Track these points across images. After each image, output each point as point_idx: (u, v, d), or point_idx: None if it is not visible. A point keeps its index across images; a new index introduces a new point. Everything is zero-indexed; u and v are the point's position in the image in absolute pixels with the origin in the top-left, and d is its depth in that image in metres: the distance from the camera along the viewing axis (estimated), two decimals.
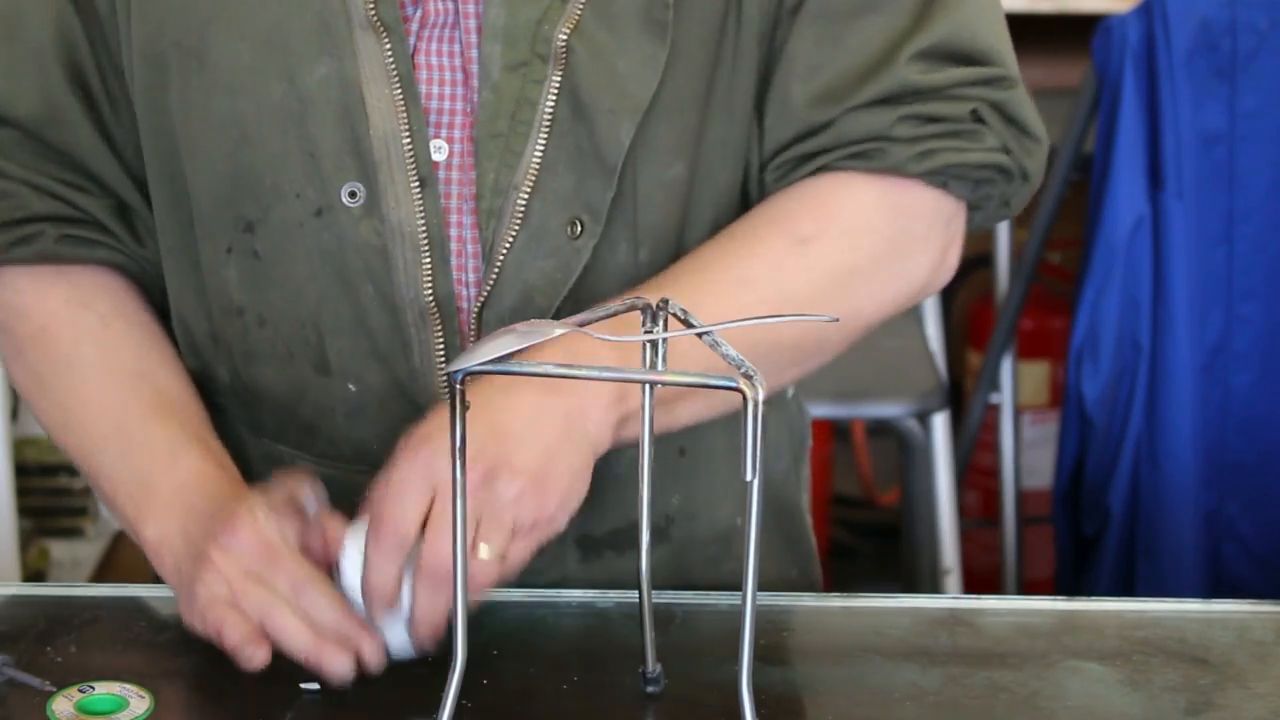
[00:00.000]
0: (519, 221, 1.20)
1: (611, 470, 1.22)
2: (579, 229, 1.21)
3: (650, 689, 1.12)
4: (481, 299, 1.22)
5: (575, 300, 1.22)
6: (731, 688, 0.97)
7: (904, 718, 1.11)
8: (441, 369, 1.22)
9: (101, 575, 3.17)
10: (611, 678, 1.14)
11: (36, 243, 1.26)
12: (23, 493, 2.85)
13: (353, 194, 1.20)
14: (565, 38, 1.18)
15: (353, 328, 1.23)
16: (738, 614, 0.96)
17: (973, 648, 1.19)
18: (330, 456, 1.27)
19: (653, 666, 1.12)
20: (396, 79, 1.19)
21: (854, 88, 1.23)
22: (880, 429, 3.25)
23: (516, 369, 0.97)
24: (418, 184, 1.20)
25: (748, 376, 0.94)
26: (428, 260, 1.21)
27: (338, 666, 1.10)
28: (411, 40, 1.21)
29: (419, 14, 1.21)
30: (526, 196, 1.20)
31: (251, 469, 1.28)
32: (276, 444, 1.29)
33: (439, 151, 1.21)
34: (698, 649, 1.18)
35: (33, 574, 2.99)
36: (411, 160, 1.20)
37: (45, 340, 1.27)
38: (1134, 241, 2.20)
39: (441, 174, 1.21)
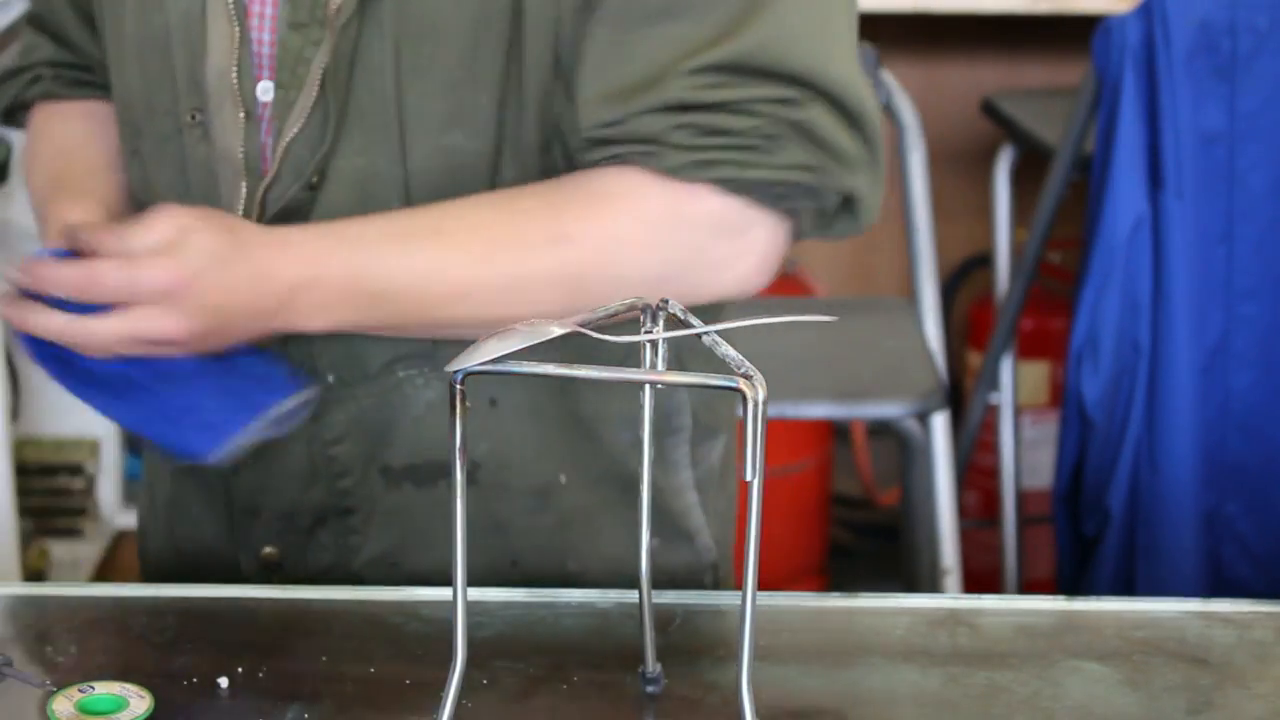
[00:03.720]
0: (293, 176, 1.30)
1: (409, 410, 1.32)
2: (341, 189, 1.29)
3: (650, 689, 1.12)
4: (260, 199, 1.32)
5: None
6: (731, 688, 0.97)
7: (904, 718, 1.11)
8: None
9: (101, 575, 3.17)
10: (611, 678, 1.14)
11: (40, 84, 1.48)
12: (23, 493, 2.85)
13: (193, 118, 1.33)
14: (343, 7, 1.26)
15: None
16: (737, 614, 0.96)
17: (973, 648, 1.19)
18: None
19: (653, 666, 1.12)
20: (236, 20, 1.30)
21: (633, 95, 1.23)
22: (880, 429, 3.26)
23: (516, 369, 0.97)
24: (244, 117, 1.31)
25: (747, 376, 0.94)
26: (244, 184, 1.31)
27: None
28: None
29: None
30: (300, 154, 1.29)
31: None
32: None
33: (266, 93, 1.31)
34: (698, 649, 1.18)
35: (33, 574, 2.99)
36: (238, 95, 1.31)
37: (62, 141, 1.46)
38: (1134, 241, 2.20)
39: (264, 111, 1.31)
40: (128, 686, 1.09)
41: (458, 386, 0.96)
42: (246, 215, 1.31)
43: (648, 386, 1.08)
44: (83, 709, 1.07)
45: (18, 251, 3.01)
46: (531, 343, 0.97)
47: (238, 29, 1.30)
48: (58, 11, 1.47)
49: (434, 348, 1.31)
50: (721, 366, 0.98)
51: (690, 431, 1.43)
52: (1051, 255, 3.02)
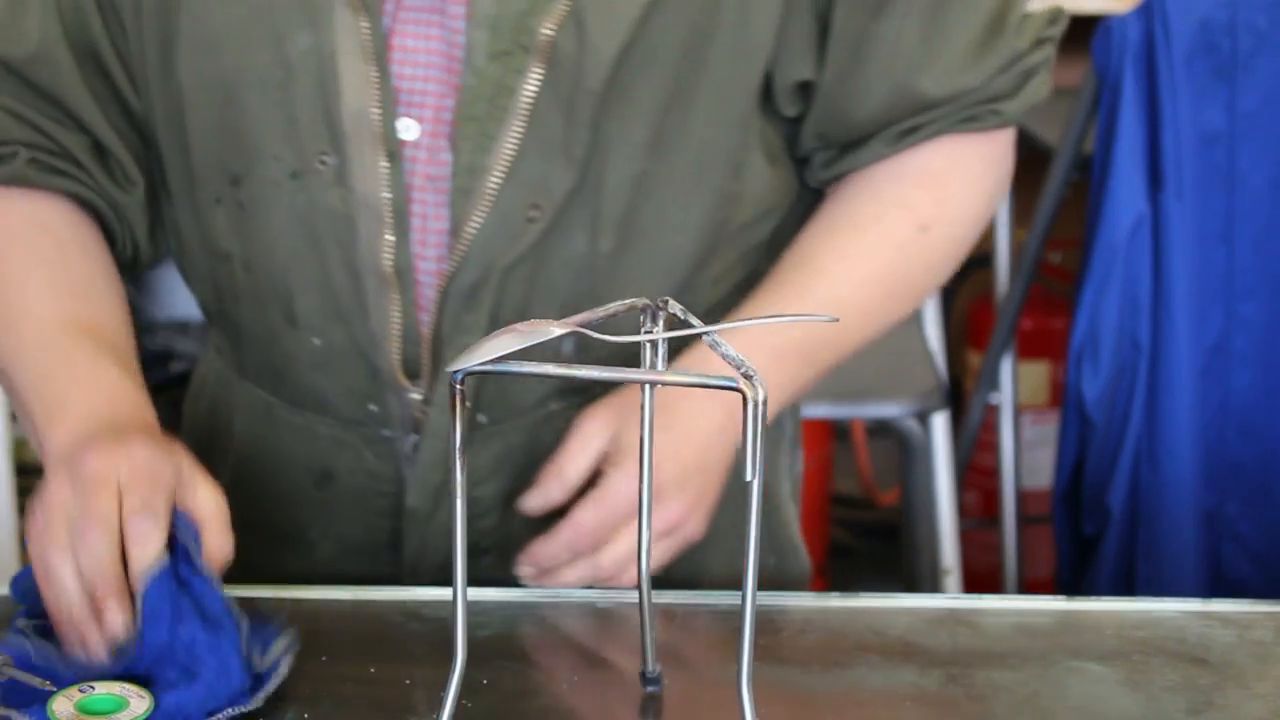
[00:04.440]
0: (488, 204, 1.24)
1: (541, 442, 1.30)
2: (535, 213, 1.25)
3: (650, 689, 1.12)
4: (446, 274, 1.26)
5: (531, 282, 1.27)
6: (731, 688, 0.97)
7: (904, 718, 1.11)
8: (397, 334, 1.28)
9: None
10: (611, 678, 1.14)
11: (8, 164, 1.29)
12: (23, 493, 2.85)
13: (324, 162, 1.24)
14: (550, 32, 1.22)
15: (318, 287, 1.28)
16: (738, 614, 0.96)
17: (973, 648, 1.19)
18: (297, 404, 1.33)
19: (653, 666, 1.12)
20: (372, 57, 1.23)
21: (970, 65, 1.30)
22: (880, 429, 3.25)
23: (516, 369, 0.97)
24: (385, 159, 1.24)
25: (748, 376, 0.94)
26: (390, 231, 1.25)
27: (89, 635, 1.07)
28: (388, 21, 1.24)
29: None
30: (499, 181, 1.24)
31: (233, 413, 1.37)
32: (256, 387, 1.36)
33: (407, 131, 1.25)
34: (698, 649, 1.18)
35: None
36: (380, 136, 1.24)
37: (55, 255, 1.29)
38: (1134, 241, 2.20)
39: (409, 152, 1.25)
40: (128, 686, 1.09)
41: (457, 387, 0.96)
42: (399, 262, 1.26)
43: (647, 386, 1.08)
44: (83, 709, 1.07)
45: None
46: (531, 343, 0.97)
47: (375, 67, 1.24)
48: (60, 75, 1.30)
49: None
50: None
51: (789, 440, 1.44)
52: (1051, 255, 3.02)
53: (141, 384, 1.24)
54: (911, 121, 1.31)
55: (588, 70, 1.22)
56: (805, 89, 1.31)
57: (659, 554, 1.24)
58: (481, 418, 1.30)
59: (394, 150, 1.24)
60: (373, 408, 1.31)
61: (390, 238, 1.25)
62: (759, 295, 1.31)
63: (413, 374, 1.29)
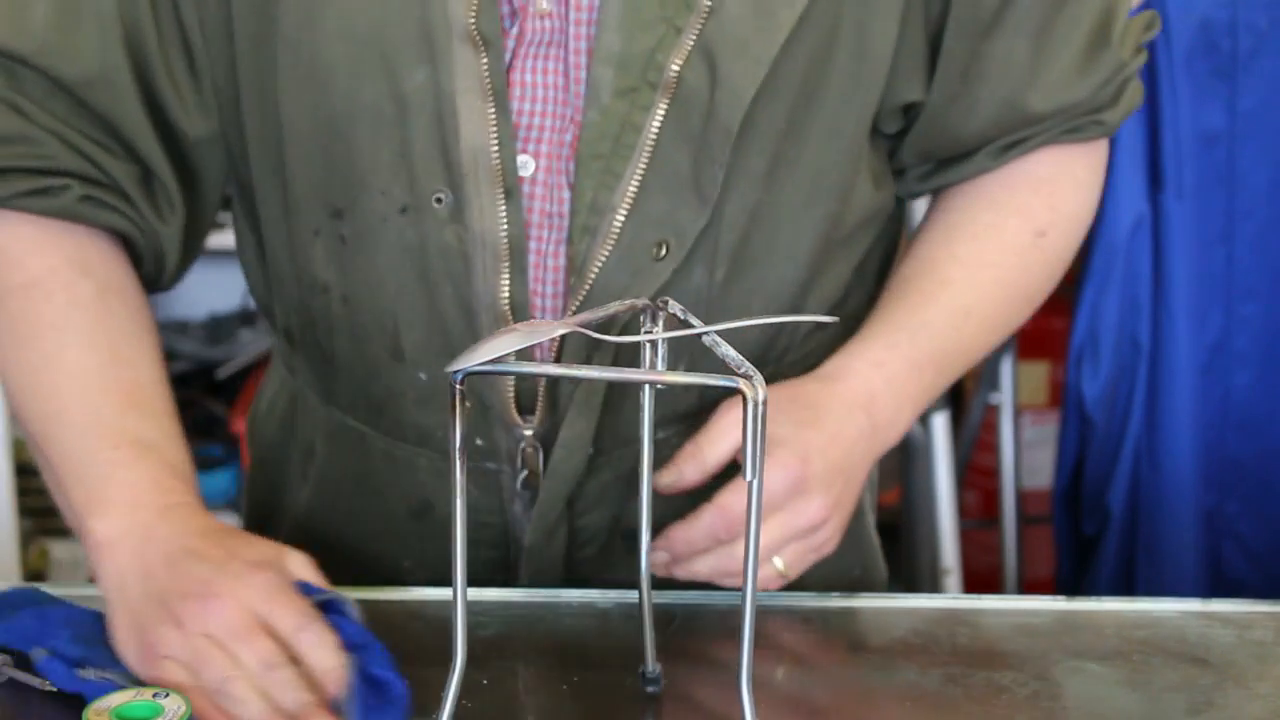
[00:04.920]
0: (612, 242, 1.22)
1: (658, 464, 1.25)
2: (664, 251, 1.23)
3: (650, 689, 1.12)
4: (571, 311, 1.23)
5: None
6: (731, 688, 0.97)
7: (904, 718, 1.11)
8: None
9: None
10: (611, 678, 1.14)
11: (60, 197, 1.24)
12: (23, 493, 2.85)
13: (439, 199, 1.21)
14: (678, 69, 1.19)
15: (428, 322, 1.25)
16: (738, 614, 0.96)
17: (973, 648, 1.19)
18: (395, 436, 1.31)
19: (653, 666, 1.12)
20: (490, 93, 1.20)
21: (1077, 80, 1.31)
22: None
23: (516, 369, 0.97)
24: (503, 196, 1.22)
25: (747, 377, 0.94)
26: (506, 269, 1.23)
27: None
28: (508, 56, 1.22)
29: (515, 30, 1.22)
30: (623, 217, 1.21)
31: (316, 437, 1.35)
32: (346, 415, 1.33)
33: (525, 167, 1.23)
34: (698, 649, 1.18)
35: (33, 574, 2.99)
36: (499, 173, 1.21)
37: (35, 295, 1.24)
38: (1134, 241, 2.20)
39: (526, 188, 1.23)
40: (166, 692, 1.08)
41: (457, 387, 0.96)
42: (515, 299, 1.23)
43: (647, 387, 1.08)
44: (119, 715, 1.06)
45: None
46: (531, 343, 0.97)
47: (494, 104, 1.21)
48: (119, 101, 1.25)
49: (699, 406, 1.29)
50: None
51: None
52: None
53: (182, 447, 1.21)
54: (1016, 135, 1.32)
55: (721, 108, 1.20)
56: (909, 108, 1.31)
57: (796, 556, 1.21)
58: (589, 449, 1.28)
59: (512, 187, 1.22)
60: (478, 442, 1.28)
61: (506, 275, 1.23)
62: (885, 306, 1.31)
63: (525, 410, 1.27)
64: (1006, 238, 1.34)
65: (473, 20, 1.19)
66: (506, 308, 1.23)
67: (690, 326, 1.01)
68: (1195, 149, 2.17)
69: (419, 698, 1.09)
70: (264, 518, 1.43)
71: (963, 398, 2.97)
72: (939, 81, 1.29)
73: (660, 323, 1.04)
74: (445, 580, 1.31)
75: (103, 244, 1.27)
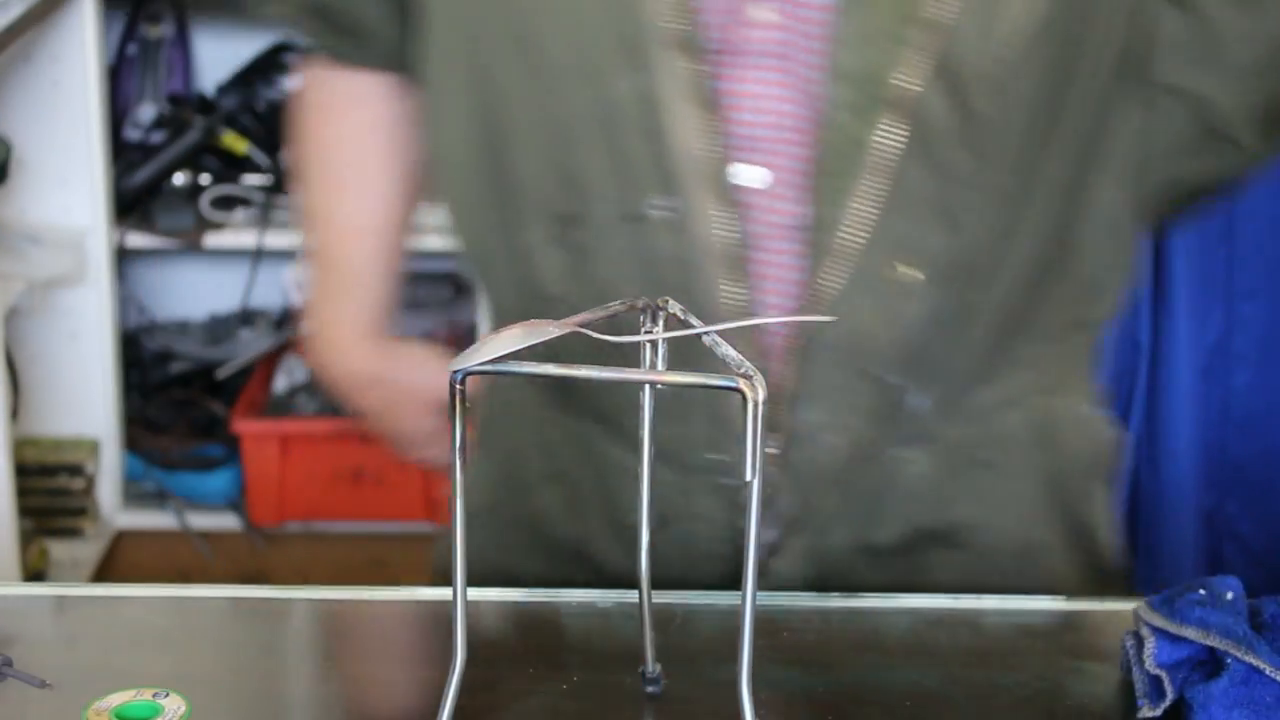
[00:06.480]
0: (849, 259, 1.21)
1: (893, 482, 1.28)
2: (904, 271, 1.21)
3: (650, 689, 1.12)
4: (806, 335, 1.23)
5: (919, 360, 1.25)
6: (731, 688, 0.97)
7: (904, 718, 1.11)
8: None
9: (101, 575, 3.17)
10: (611, 678, 1.14)
11: (376, 47, 1.43)
12: (23, 493, 2.86)
13: (657, 206, 1.21)
14: (916, 88, 1.18)
15: None
16: (738, 614, 0.96)
17: (973, 648, 1.19)
18: (628, 447, 1.30)
19: (653, 666, 1.12)
20: (701, 100, 1.20)
21: None
22: None
23: (516, 369, 0.97)
24: (723, 205, 1.21)
25: (747, 377, 0.94)
26: (728, 279, 1.22)
27: None
28: (724, 65, 1.21)
29: (735, 39, 1.21)
30: (859, 236, 1.20)
31: (553, 446, 1.35)
32: (580, 423, 1.33)
33: (757, 178, 1.21)
34: (698, 649, 1.18)
35: (33, 574, 3.00)
36: (716, 181, 1.21)
37: (370, 132, 1.47)
38: None
39: (754, 199, 1.22)
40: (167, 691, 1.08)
41: (458, 386, 0.96)
42: (739, 307, 1.22)
43: (647, 387, 1.08)
44: (119, 715, 1.06)
45: (18, 251, 3.01)
46: (531, 342, 0.97)
47: (704, 110, 1.20)
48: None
49: (944, 429, 1.29)
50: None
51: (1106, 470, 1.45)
52: None
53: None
54: None
55: (963, 128, 1.19)
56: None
57: None
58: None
59: (732, 196, 1.21)
60: (712, 456, 1.27)
61: (729, 285, 1.22)
62: None
63: (769, 426, 1.25)
64: None
65: (680, 29, 1.19)
66: (731, 318, 1.22)
67: (690, 326, 1.01)
68: None
69: (419, 698, 1.09)
70: (505, 518, 1.42)
71: None
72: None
73: (660, 323, 1.04)
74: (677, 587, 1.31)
75: (405, 93, 1.45)
